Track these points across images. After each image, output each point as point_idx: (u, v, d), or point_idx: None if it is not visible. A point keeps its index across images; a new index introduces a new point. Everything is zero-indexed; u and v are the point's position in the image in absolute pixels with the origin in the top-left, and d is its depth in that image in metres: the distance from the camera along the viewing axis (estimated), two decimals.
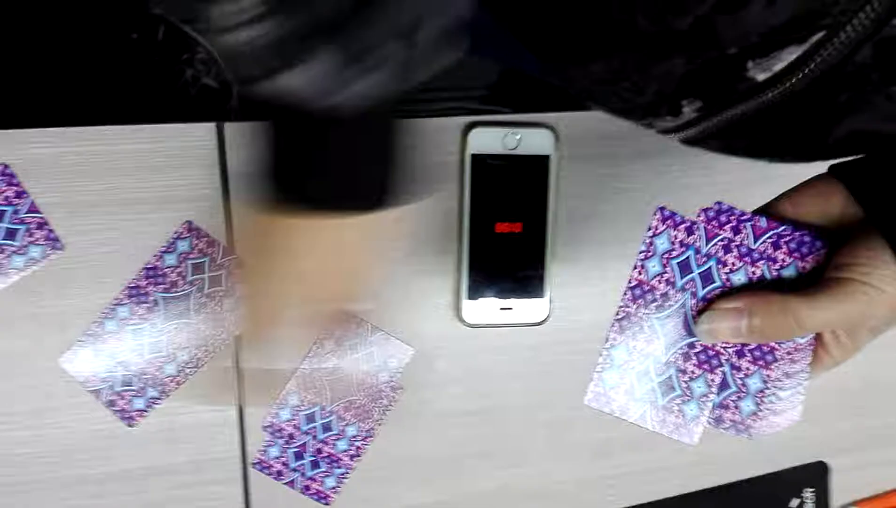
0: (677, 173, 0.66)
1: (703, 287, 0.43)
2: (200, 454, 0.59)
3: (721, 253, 0.43)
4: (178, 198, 0.56)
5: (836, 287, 0.40)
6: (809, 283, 0.41)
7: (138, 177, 0.56)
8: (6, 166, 0.53)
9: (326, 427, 0.61)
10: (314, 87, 0.33)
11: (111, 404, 0.57)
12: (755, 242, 0.43)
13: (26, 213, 0.54)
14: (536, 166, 0.62)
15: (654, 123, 0.43)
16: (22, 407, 0.56)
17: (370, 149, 0.39)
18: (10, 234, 0.53)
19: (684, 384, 0.44)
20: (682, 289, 0.43)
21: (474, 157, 0.61)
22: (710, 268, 0.43)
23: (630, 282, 0.44)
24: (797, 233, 0.42)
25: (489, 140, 0.61)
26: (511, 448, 0.66)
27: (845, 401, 0.74)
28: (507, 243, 0.62)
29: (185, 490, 0.59)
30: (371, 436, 0.62)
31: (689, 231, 0.43)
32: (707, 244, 0.43)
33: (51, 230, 0.54)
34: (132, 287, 0.56)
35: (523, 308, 0.64)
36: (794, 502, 0.75)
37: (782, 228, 0.42)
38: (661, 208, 0.43)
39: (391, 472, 0.63)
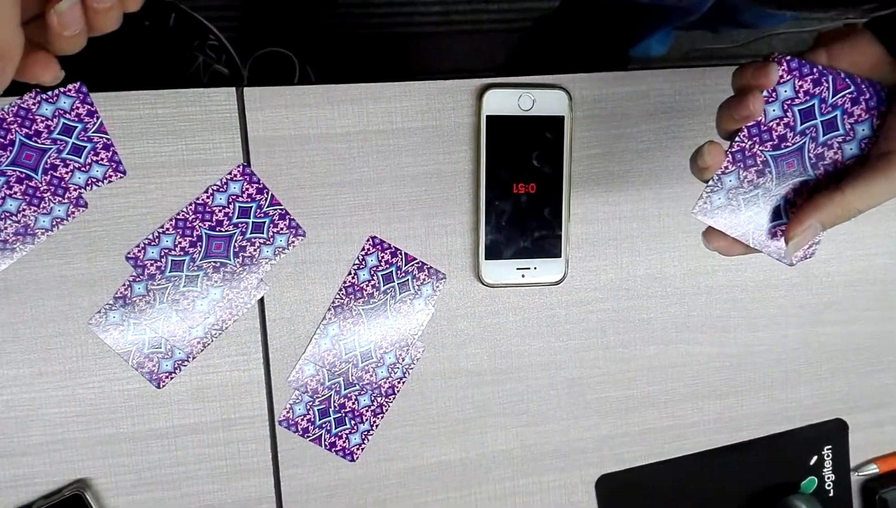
0: (690, 132, 0.64)
1: (825, 133, 0.45)
2: (228, 413, 0.58)
3: (848, 105, 0.44)
4: (199, 162, 0.55)
5: (885, 168, 0.42)
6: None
7: (160, 141, 0.55)
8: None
9: (348, 383, 0.60)
10: None
11: (140, 366, 0.56)
12: (833, 95, 0.44)
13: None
14: (551, 127, 0.60)
15: None
16: (54, 367, 0.55)
17: None
18: (36, 197, 0.53)
19: (792, 214, 0.46)
20: (802, 133, 0.45)
21: (489, 118, 0.59)
22: (835, 117, 0.45)
23: (749, 123, 0.45)
24: (874, 88, 0.44)
25: (504, 102, 0.59)
26: (532, 407, 0.64)
27: (863, 359, 0.71)
28: (523, 203, 0.61)
29: (214, 448, 0.58)
30: (394, 394, 0.61)
31: (817, 82, 0.44)
32: (833, 95, 0.44)
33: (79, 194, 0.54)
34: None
35: (541, 268, 0.62)
36: (813, 459, 0.73)
37: (862, 83, 0.44)
38: (787, 59, 0.44)
39: (414, 431, 0.62)
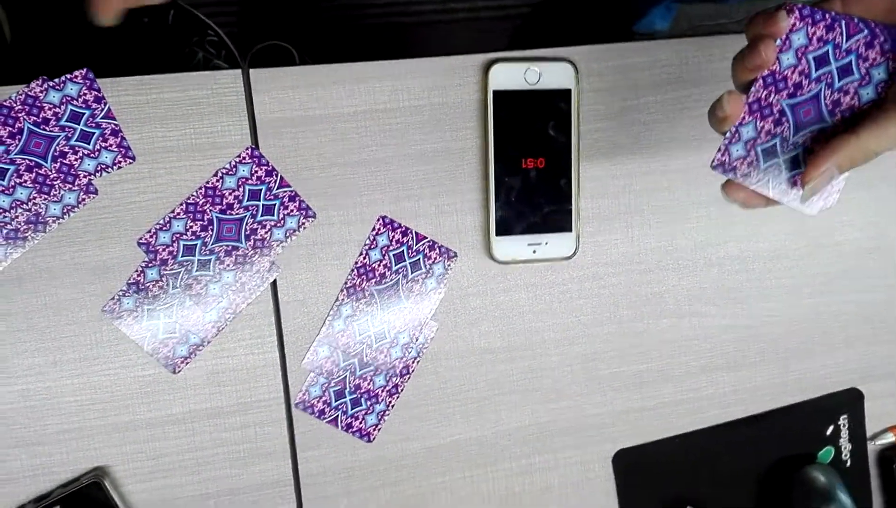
0: (697, 103, 0.63)
1: (841, 79, 0.45)
2: (244, 397, 0.58)
3: (862, 49, 0.44)
4: (208, 145, 0.55)
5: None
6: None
7: (168, 126, 0.54)
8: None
9: (363, 364, 0.60)
10: None
11: (155, 351, 0.56)
12: (847, 40, 0.44)
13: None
14: (558, 100, 0.60)
15: None
16: (69, 355, 0.55)
17: None
18: (46, 185, 0.52)
19: (809, 159, 0.46)
20: (817, 80, 0.45)
21: (496, 93, 0.59)
22: (849, 62, 0.44)
23: (764, 73, 0.45)
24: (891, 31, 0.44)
25: (510, 76, 0.59)
26: (546, 384, 0.64)
27: (877, 328, 0.71)
28: (532, 178, 0.60)
29: (231, 432, 0.58)
30: (408, 373, 0.61)
31: (830, 28, 0.44)
32: (847, 40, 0.44)
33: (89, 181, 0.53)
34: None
35: (552, 243, 0.62)
36: (829, 429, 0.72)
37: (876, 27, 0.44)
38: (799, 7, 0.44)
39: (429, 410, 0.62)
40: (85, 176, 0.53)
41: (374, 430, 0.61)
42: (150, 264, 0.55)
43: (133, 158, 0.54)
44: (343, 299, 0.59)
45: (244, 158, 0.56)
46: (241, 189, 0.56)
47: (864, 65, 0.44)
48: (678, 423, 0.68)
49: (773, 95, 0.45)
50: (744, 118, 0.46)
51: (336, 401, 0.60)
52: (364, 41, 1.31)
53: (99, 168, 0.53)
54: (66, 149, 0.52)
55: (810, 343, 0.70)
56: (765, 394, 0.70)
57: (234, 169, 0.55)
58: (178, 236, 0.55)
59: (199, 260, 0.56)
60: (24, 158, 0.52)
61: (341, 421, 0.60)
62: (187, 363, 0.57)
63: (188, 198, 0.55)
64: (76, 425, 0.56)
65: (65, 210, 0.53)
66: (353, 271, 0.59)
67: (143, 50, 0.86)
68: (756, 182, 0.47)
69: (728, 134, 0.46)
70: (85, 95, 0.52)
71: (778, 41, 0.44)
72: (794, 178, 0.47)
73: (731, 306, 0.67)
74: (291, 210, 0.57)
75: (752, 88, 0.46)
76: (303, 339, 0.59)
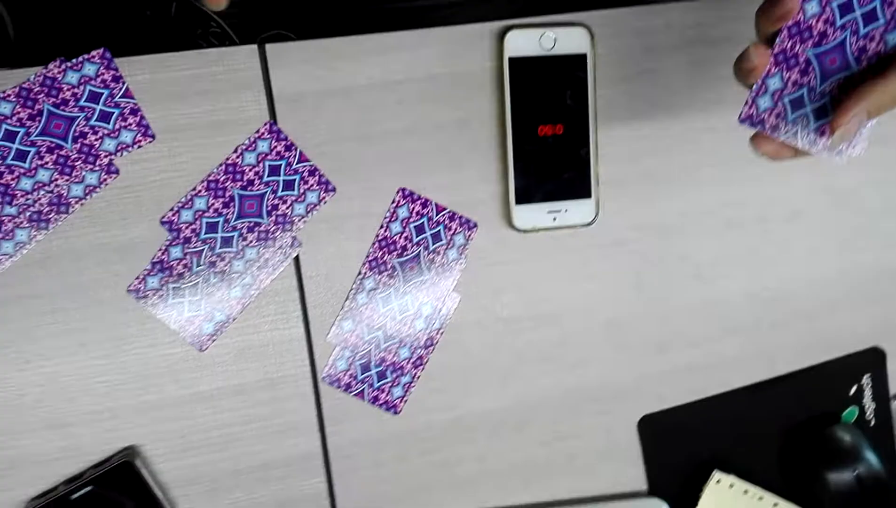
0: (714, 64, 0.63)
1: (866, 25, 0.44)
2: (271, 372, 0.58)
3: None
4: (226, 122, 0.55)
5: None
6: None
7: (186, 103, 0.54)
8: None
9: (387, 336, 0.60)
10: None
11: (182, 329, 0.56)
12: None
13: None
14: (574, 66, 0.60)
15: None
16: (96, 336, 0.55)
17: None
18: (67, 166, 0.52)
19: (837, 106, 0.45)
20: (842, 27, 0.44)
21: (512, 60, 0.59)
22: (874, 7, 0.44)
23: (788, 23, 0.44)
24: None
25: (525, 43, 0.59)
26: (569, 351, 0.64)
27: None
28: (550, 145, 0.60)
29: (259, 408, 0.59)
30: (432, 345, 0.61)
31: None
32: None
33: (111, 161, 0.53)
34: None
35: (572, 210, 0.62)
36: (853, 389, 0.72)
37: None
38: None
39: (454, 381, 0.62)
40: (106, 156, 0.53)
41: (401, 402, 0.61)
42: (173, 243, 0.55)
43: (153, 137, 0.54)
44: (365, 273, 0.59)
45: (263, 133, 0.55)
46: (261, 165, 0.56)
47: (889, 10, 0.44)
48: (702, 387, 0.68)
49: (798, 45, 0.45)
50: (769, 70, 0.46)
51: (362, 374, 0.60)
52: (369, 27, 1.30)
53: (119, 148, 0.53)
54: (87, 129, 0.52)
55: (832, 303, 0.70)
56: (787, 356, 0.69)
57: (253, 145, 0.55)
58: (200, 213, 0.55)
59: (222, 237, 0.56)
60: (45, 140, 0.52)
61: (368, 394, 0.61)
62: (213, 341, 0.57)
63: (209, 175, 0.55)
64: (105, 405, 0.56)
65: (87, 191, 0.53)
66: (374, 244, 0.59)
67: (146, 44, 0.86)
68: (784, 134, 0.47)
69: (755, 86, 0.46)
70: (103, 74, 0.52)
71: None
72: (823, 127, 0.47)
73: (752, 268, 0.67)
74: (311, 185, 0.57)
75: (777, 40, 0.45)
76: (327, 313, 0.59)
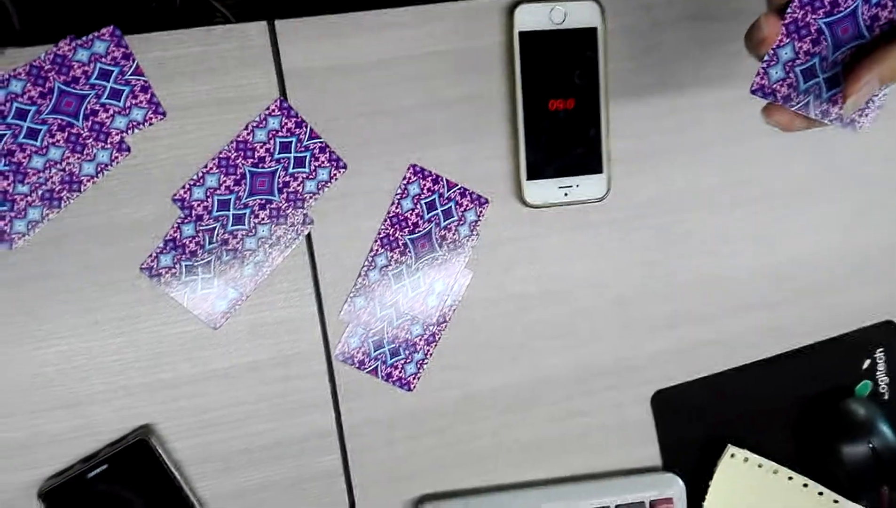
0: (722, 39, 0.62)
1: None
2: (285, 349, 0.59)
3: None
4: (236, 99, 0.55)
5: None
6: None
7: (197, 80, 0.54)
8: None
9: (400, 313, 0.60)
10: None
11: (195, 307, 0.56)
12: None
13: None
14: (585, 40, 0.60)
15: None
16: (109, 315, 0.55)
17: None
18: (79, 144, 0.52)
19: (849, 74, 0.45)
20: None
21: (522, 35, 0.58)
22: None
23: None
24: None
25: (535, 17, 0.58)
26: (580, 328, 0.64)
27: None
28: (561, 120, 0.60)
29: (273, 385, 0.59)
30: (445, 322, 0.61)
31: None
32: None
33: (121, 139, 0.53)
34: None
35: (583, 185, 0.61)
36: (866, 363, 0.72)
37: None
38: None
39: (466, 358, 0.62)
40: (117, 134, 0.53)
41: (414, 379, 0.61)
42: (185, 221, 0.55)
43: (164, 115, 0.54)
44: (377, 250, 0.59)
45: (273, 110, 0.55)
46: (271, 142, 0.56)
47: None
48: (714, 362, 0.68)
49: (809, 15, 0.45)
50: (781, 40, 0.45)
51: (375, 351, 0.60)
52: (378, 5, 1.30)
53: (130, 125, 0.53)
54: (97, 107, 0.52)
55: (842, 277, 0.69)
56: (799, 331, 0.69)
57: (263, 122, 0.55)
58: (212, 190, 0.55)
59: (233, 215, 0.56)
60: (56, 118, 0.52)
61: (381, 371, 0.60)
62: (227, 318, 0.57)
63: (220, 152, 0.55)
64: (119, 384, 0.56)
65: (98, 169, 0.53)
66: (385, 220, 0.59)
67: (152, 30, 0.85)
68: (797, 104, 0.47)
69: (767, 57, 0.46)
70: (113, 52, 0.52)
71: None
72: (835, 97, 0.46)
73: (760, 244, 0.67)
74: (322, 162, 0.57)
75: (788, 10, 0.45)
76: (340, 290, 0.59)
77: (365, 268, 0.59)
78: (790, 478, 0.67)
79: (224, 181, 0.55)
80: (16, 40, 0.75)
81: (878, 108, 0.47)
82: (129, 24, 0.55)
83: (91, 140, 0.53)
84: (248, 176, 0.56)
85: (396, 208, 0.59)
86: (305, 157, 0.57)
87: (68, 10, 0.79)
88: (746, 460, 0.67)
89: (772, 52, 0.46)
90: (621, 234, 0.64)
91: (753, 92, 0.47)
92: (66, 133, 0.52)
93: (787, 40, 0.45)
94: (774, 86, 0.47)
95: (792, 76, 0.46)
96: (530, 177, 0.60)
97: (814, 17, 0.45)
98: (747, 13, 0.61)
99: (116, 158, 0.54)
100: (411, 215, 0.60)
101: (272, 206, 0.56)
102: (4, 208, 0.52)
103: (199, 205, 0.55)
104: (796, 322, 0.69)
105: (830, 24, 0.45)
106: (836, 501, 0.67)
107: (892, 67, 0.43)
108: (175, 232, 0.55)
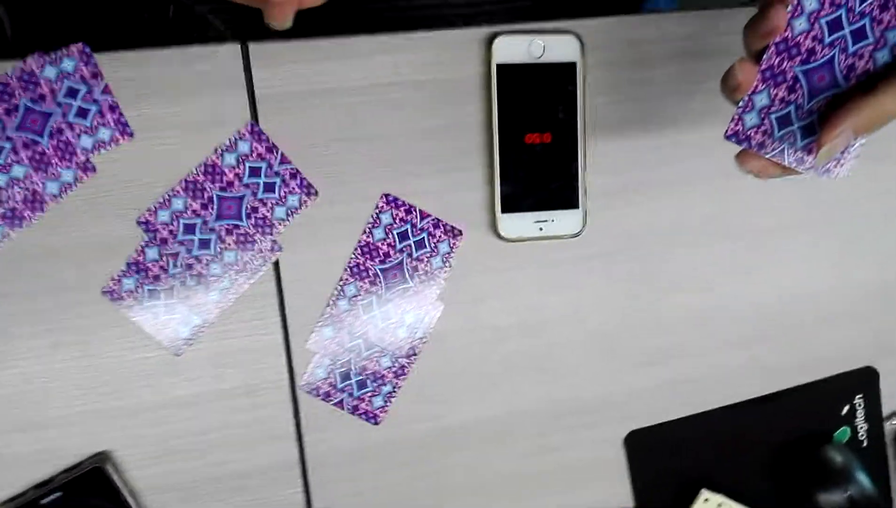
0: (705, 76, 0.62)
1: (855, 43, 0.43)
2: (249, 378, 0.57)
3: (876, 12, 0.43)
4: (207, 121, 0.54)
5: None
6: None
7: (166, 101, 0.53)
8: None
9: (368, 344, 0.59)
10: None
11: (157, 333, 0.55)
12: (860, 3, 0.43)
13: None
14: (563, 74, 0.59)
15: None
16: (70, 338, 0.54)
17: None
18: (43, 163, 0.51)
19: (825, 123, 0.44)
20: (831, 45, 0.43)
21: (500, 67, 0.58)
22: (863, 25, 0.43)
23: (776, 39, 0.43)
24: None
25: (514, 49, 0.58)
26: (557, 362, 0.63)
27: (892, 303, 0.69)
28: (538, 153, 0.59)
29: (236, 414, 0.57)
30: (415, 353, 0.60)
31: None
32: (860, 4, 0.43)
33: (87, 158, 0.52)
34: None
35: (559, 220, 0.60)
36: (845, 409, 0.71)
37: None
38: None
39: (437, 391, 0.61)
40: (83, 153, 0.52)
41: (382, 412, 0.60)
42: (149, 244, 0.54)
43: (131, 135, 0.53)
44: (347, 279, 0.58)
45: (244, 134, 0.54)
46: (241, 166, 0.55)
47: (878, 28, 0.43)
48: (692, 402, 0.66)
49: (786, 62, 0.44)
50: (757, 86, 0.45)
51: (342, 383, 0.59)
52: (356, 31, 1.30)
53: (97, 145, 0.52)
54: (64, 126, 0.51)
55: (824, 319, 0.68)
56: (779, 372, 0.68)
57: (234, 145, 0.54)
58: (178, 214, 0.54)
59: (199, 239, 0.55)
60: (21, 136, 0.51)
61: (347, 403, 0.59)
62: (190, 345, 0.56)
63: (187, 175, 0.54)
64: (78, 409, 0.55)
65: (63, 188, 0.52)
66: (356, 249, 0.58)
67: (143, 46, 0.85)
68: (771, 151, 0.46)
69: (741, 103, 0.45)
70: (81, 70, 0.51)
71: (789, 7, 0.43)
72: (810, 145, 0.45)
73: (743, 282, 0.66)
74: (293, 188, 0.56)
75: (765, 56, 0.44)
76: (307, 319, 0.58)
77: (334, 297, 0.58)
78: None
79: (191, 205, 0.54)
80: (7, 51, 0.75)
81: (854, 157, 0.46)
82: (120, 39, 0.55)
83: (56, 159, 0.52)
84: (215, 200, 0.55)
85: (368, 236, 0.58)
86: (275, 182, 0.56)
87: (60, 24, 0.79)
88: (721, 505, 0.66)
89: (747, 98, 0.45)
90: (598, 269, 0.63)
91: (728, 137, 0.46)
92: (31, 151, 0.51)
93: (763, 87, 0.45)
94: (749, 132, 0.46)
95: (767, 123, 0.45)
96: (505, 210, 0.59)
97: (790, 64, 0.44)
98: (730, 51, 0.60)
99: (81, 178, 0.53)
100: (383, 244, 0.58)
101: (239, 231, 0.55)
102: None
103: (164, 228, 0.54)
104: (777, 363, 0.68)
105: (807, 72, 0.44)
106: None
107: (868, 117, 0.42)
108: (139, 255, 0.54)
